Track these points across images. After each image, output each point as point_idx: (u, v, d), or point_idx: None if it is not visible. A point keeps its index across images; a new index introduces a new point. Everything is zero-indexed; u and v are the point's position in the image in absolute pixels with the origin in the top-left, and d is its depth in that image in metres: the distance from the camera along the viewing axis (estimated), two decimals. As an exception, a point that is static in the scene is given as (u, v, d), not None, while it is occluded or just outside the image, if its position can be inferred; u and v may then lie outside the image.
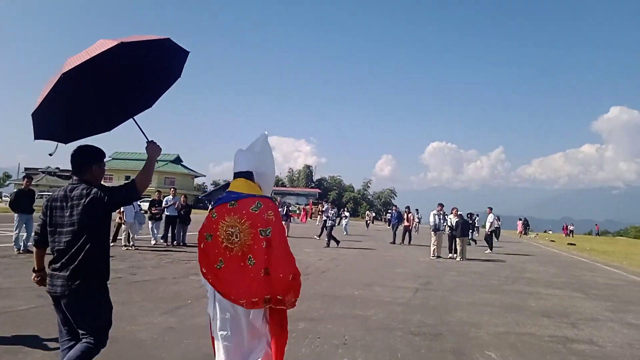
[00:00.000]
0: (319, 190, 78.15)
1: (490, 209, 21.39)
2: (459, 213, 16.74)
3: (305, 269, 10.72)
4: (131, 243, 13.36)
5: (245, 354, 3.06)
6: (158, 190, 16.12)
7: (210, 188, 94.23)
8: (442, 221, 16.69)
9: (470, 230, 20.99)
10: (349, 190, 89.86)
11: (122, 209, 13.03)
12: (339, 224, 26.90)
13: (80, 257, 2.92)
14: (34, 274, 3.23)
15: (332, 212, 18.95)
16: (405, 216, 22.44)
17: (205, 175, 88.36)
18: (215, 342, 3.13)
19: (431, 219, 16.83)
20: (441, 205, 17.24)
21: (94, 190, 2.98)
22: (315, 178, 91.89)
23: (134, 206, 13.30)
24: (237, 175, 3.20)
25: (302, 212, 44.70)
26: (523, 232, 41.45)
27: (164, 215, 15.13)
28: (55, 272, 2.97)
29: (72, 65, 2.90)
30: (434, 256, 16.11)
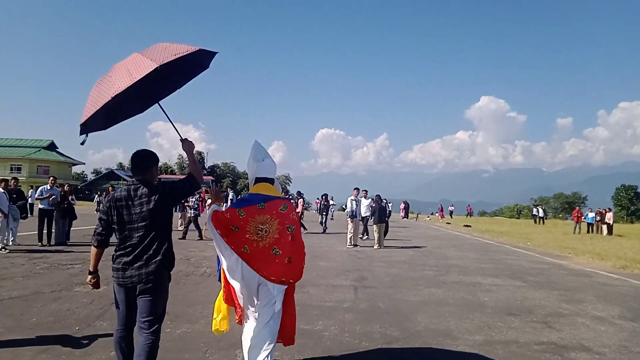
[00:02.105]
0: (212, 178, 74.84)
1: (366, 191, 20.71)
2: (381, 199, 15.95)
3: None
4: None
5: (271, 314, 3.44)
6: (14, 179, 12.50)
7: (90, 177, 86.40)
8: (358, 207, 15.79)
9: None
10: (244, 177, 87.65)
11: None
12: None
13: (154, 247, 3.14)
14: (89, 277, 3.29)
15: (193, 199, 16.42)
16: (296, 202, 20.71)
17: (84, 163, 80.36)
18: (247, 311, 3.61)
19: (348, 205, 15.83)
20: (357, 190, 16.29)
21: (162, 186, 3.24)
22: (207, 165, 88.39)
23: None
24: (261, 180, 3.61)
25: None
26: (405, 215, 43.85)
27: (37, 209, 12.45)
28: (128, 266, 3.12)
29: (133, 81, 3.02)
30: (351, 245, 15.12)
